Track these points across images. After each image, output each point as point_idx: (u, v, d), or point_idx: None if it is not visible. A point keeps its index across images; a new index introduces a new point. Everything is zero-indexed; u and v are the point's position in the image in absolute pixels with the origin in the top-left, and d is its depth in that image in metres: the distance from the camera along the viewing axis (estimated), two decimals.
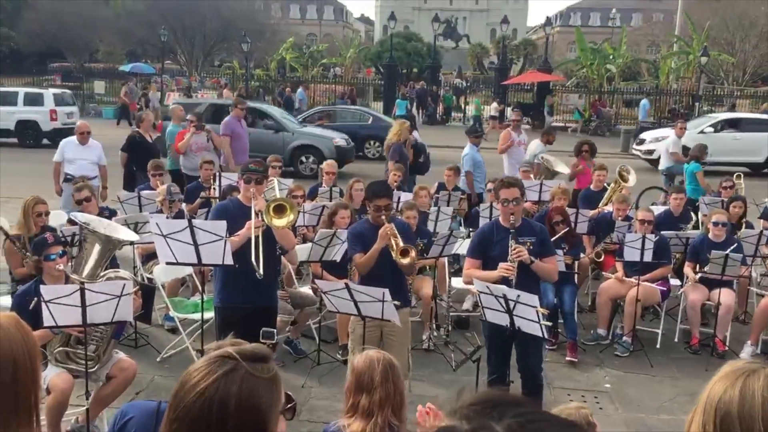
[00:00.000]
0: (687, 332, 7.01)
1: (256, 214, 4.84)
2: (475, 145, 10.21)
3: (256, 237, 4.77)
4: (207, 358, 1.51)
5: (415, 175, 10.90)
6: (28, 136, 20.47)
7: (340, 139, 16.97)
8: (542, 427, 0.95)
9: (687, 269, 7.09)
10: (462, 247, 7.27)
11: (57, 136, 20.63)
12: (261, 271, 4.69)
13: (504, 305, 4.60)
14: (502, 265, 4.82)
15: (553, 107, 29.56)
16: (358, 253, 4.98)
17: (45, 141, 20.38)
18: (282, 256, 5.86)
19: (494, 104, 30.06)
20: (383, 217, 4.85)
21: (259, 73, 41.50)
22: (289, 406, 1.56)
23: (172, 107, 11.80)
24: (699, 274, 6.82)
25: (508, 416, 0.94)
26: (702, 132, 19.09)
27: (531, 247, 4.93)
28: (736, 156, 18.20)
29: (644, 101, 29.47)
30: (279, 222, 4.77)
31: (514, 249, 4.80)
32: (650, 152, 19.39)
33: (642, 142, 20.38)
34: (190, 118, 10.37)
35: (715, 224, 6.94)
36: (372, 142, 19.76)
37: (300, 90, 31.61)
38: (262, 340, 4.51)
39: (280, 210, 4.79)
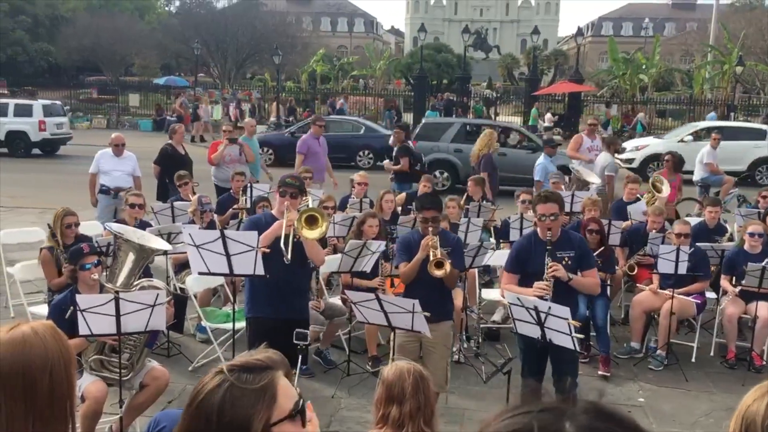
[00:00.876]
0: (723, 346, 6.87)
1: (288, 226, 4.83)
2: (549, 155, 10.19)
3: (286, 234, 4.76)
4: (208, 373, 1.58)
5: (411, 183, 10.82)
6: (18, 146, 21.03)
7: None
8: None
9: (724, 282, 6.96)
10: (492, 258, 7.23)
11: (46, 146, 21.42)
12: (289, 256, 4.65)
13: (535, 317, 4.56)
14: (537, 284, 4.77)
15: (611, 121, 28.69)
16: (403, 263, 4.99)
17: (36, 151, 21.02)
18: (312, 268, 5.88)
19: (548, 115, 29.40)
20: (430, 229, 4.85)
21: (290, 85, 41.88)
22: (297, 411, 1.57)
23: (245, 122, 11.97)
24: (738, 288, 6.69)
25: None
26: (682, 141, 18.96)
27: (569, 263, 4.86)
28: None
29: (712, 114, 28.18)
30: (311, 234, 4.77)
31: (550, 266, 4.74)
32: (630, 161, 19.44)
33: (622, 150, 20.32)
34: (226, 128, 10.57)
35: (751, 235, 6.81)
36: (365, 152, 19.88)
37: (341, 100, 31.68)
38: (295, 341, 4.55)
39: (311, 221, 4.80)
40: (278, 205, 5.08)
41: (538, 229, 5.01)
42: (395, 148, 11.19)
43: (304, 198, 5.29)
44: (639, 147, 19.96)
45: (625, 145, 20.79)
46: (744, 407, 1.51)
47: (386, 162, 11.43)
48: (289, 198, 4.95)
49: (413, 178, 10.91)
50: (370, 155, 19.66)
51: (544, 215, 4.83)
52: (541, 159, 10.27)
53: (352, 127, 21.23)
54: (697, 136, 19.26)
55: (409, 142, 11.80)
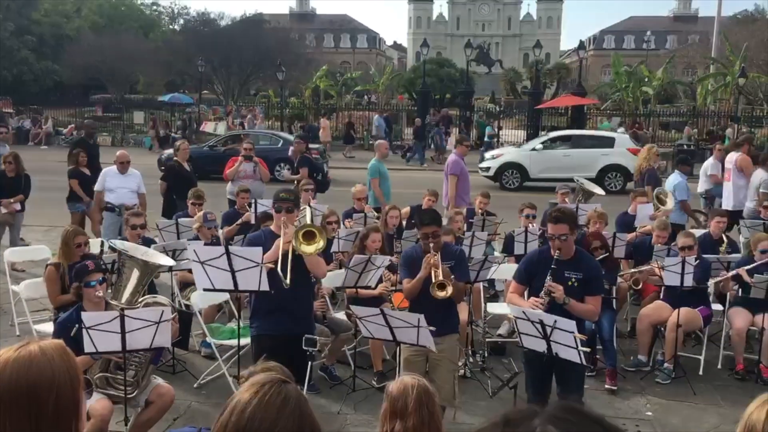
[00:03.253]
0: (730, 358, 6.83)
1: (286, 243, 4.80)
2: (685, 173, 10.11)
3: (285, 251, 4.72)
4: (264, 386, 1.54)
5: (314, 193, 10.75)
6: None
7: None
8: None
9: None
10: (497, 272, 7.22)
11: None
12: (288, 280, 4.63)
13: (541, 331, 4.54)
14: (531, 299, 4.77)
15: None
16: (406, 279, 4.99)
17: None
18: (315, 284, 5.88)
19: (621, 129, 28.22)
20: (431, 245, 4.85)
21: (294, 101, 42.05)
22: None
23: (377, 144, 11.73)
24: (734, 271, 6.70)
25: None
26: (534, 149, 19.52)
27: (575, 284, 4.80)
28: (567, 172, 18.17)
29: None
30: (308, 248, 4.73)
31: (550, 285, 4.70)
32: (487, 169, 19.97)
33: (483, 159, 21.00)
34: (246, 146, 10.63)
35: (763, 252, 6.78)
36: (282, 164, 19.26)
37: (377, 116, 30.75)
38: (305, 347, 4.54)
39: (309, 236, 4.77)
40: (275, 220, 5.08)
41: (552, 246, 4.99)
42: (296, 159, 11.26)
43: (300, 210, 5.29)
44: (495, 156, 20.59)
45: (486, 155, 21.41)
46: (746, 416, 1.58)
47: (285, 172, 11.43)
48: (285, 213, 4.94)
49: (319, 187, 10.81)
50: (288, 168, 19.57)
51: (553, 235, 4.79)
52: (678, 177, 9.97)
53: (270, 141, 21.35)
54: (548, 145, 19.89)
55: (311, 152, 11.85)
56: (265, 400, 1.51)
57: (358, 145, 30.32)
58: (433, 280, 4.74)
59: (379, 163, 10.53)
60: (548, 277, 4.72)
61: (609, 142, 19.68)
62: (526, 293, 5.07)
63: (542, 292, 4.72)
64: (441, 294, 4.73)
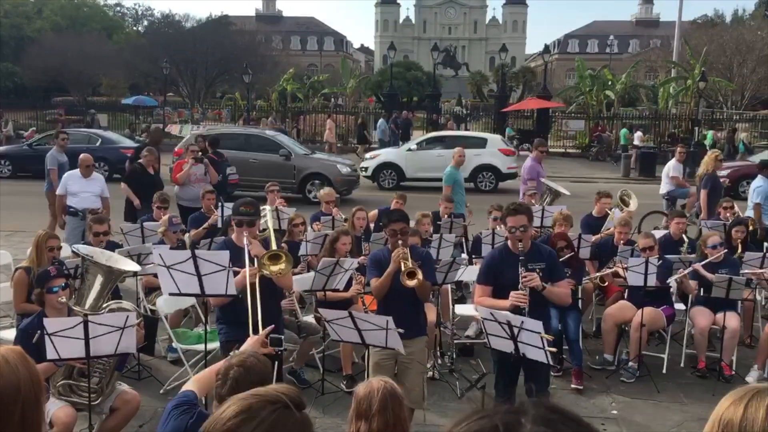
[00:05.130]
0: (693, 357, 6.96)
1: (251, 261, 4.73)
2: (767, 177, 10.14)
3: (253, 298, 4.56)
4: (263, 402, 1.52)
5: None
6: None
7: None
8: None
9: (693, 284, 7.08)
10: (465, 274, 7.26)
11: None
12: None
13: (508, 332, 4.58)
14: (513, 294, 4.77)
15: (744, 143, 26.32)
16: (375, 278, 4.98)
17: None
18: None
19: (638, 133, 28.17)
20: (400, 242, 4.85)
21: (261, 103, 41.82)
22: None
23: (454, 151, 11.50)
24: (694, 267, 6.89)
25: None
26: (409, 150, 20.05)
27: (540, 275, 4.87)
28: (441, 172, 18.45)
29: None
30: (272, 268, 4.66)
31: (525, 276, 4.77)
32: (365, 169, 20.28)
33: (364, 160, 21.48)
34: (192, 149, 10.48)
35: (713, 247, 6.94)
36: (100, 164, 18.44)
37: (381, 120, 29.56)
38: (271, 347, 4.51)
39: (275, 258, 4.70)
40: (237, 234, 5.01)
41: (509, 242, 5.05)
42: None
43: (262, 216, 5.23)
44: (373, 156, 20.94)
45: (366, 155, 21.81)
46: (720, 412, 1.54)
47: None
48: (246, 227, 4.89)
49: (219, 190, 10.76)
50: (106, 167, 18.71)
51: (514, 227, 4.86)
52: (760, 182, 10.06)
53: (88, 140, 20.73)
54: (423, 145, 20.33)
55: (221, 153, 11.78)
56: (251, 426, 1.48)
57: (351, 148, 29.85)
58: (403, 269, 4.75)
59: (455, 170, 10.47)
60: (520, 269, 4.77)
61: (481, 143, 19.98)
62: (492, 293, 5.08)
63: (520, 285, 4.75)
64: (411, 282, 4.72)
